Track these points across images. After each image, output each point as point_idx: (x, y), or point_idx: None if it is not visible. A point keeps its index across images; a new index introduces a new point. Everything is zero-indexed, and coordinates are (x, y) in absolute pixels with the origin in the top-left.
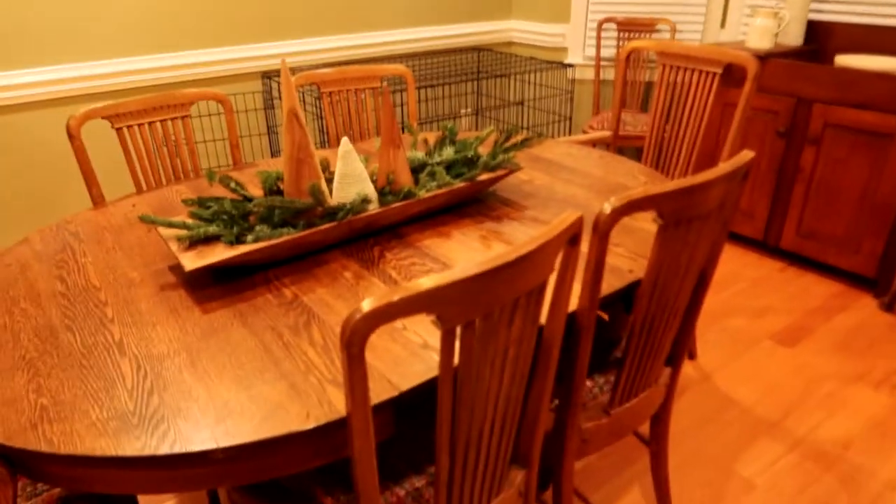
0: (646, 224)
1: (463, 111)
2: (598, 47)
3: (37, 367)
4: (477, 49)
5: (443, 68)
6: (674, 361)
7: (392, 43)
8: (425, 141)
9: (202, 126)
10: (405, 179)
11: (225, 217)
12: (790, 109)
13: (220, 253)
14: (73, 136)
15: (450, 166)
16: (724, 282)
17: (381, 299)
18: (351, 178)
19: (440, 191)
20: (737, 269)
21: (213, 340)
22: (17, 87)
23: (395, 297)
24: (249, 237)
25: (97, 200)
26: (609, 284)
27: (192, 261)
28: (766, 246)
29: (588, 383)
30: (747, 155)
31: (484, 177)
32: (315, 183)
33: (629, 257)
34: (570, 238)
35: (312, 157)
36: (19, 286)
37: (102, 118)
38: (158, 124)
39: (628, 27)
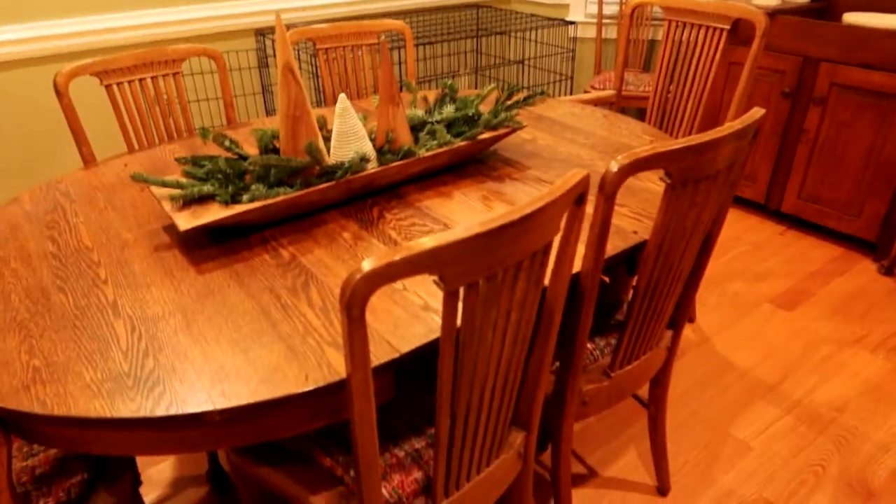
0: (651, 184)
1: (462, 70)
2: (601, 4)
3: (28, 328)
4: (476, 6)
5: (441, 25)
6: (676, 324)
7: None
8: (425, 99)
9: (195, 85)
10: (405, 138)
11: (220, 176)
12: (796, 69)
13: (214, 213)
14: (60, 93)
15: (450, 125)
16: (725, 245)
17: (381, 259)
18: (349, 136)
19: (441, 150)
20: (737, 233)
21: (209, 302)
22: (15, 43)
23: (397, 257)
24: (245, 197)
25: (88, 159)
26: (613, 246)
27: (186, 221)
28: (767, 209)
29: (589, 346)
30: (758, 112)
31: (485, 135)
32: (312, 141)
33: (634, 218)
34: (577, 198)
35: (309, 115)
36: (9, 247)
37: (91, 75)
38: (149, 81)
39: None
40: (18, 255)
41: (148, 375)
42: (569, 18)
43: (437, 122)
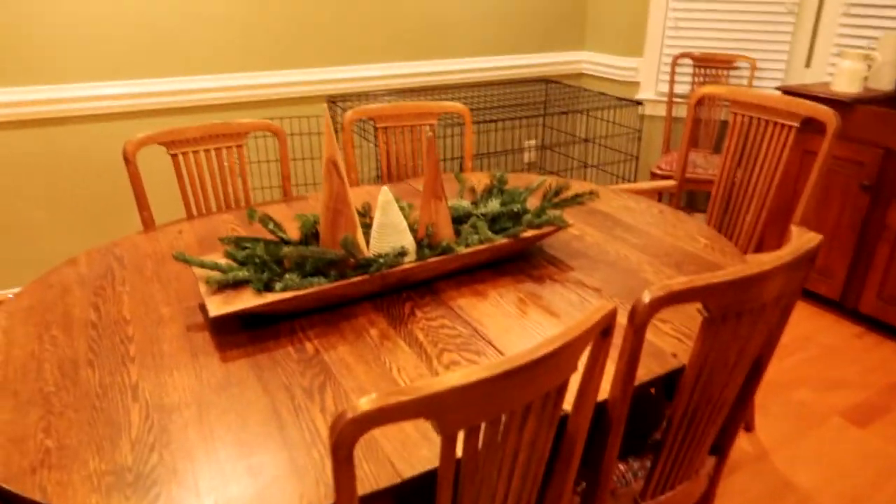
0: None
1: (527, 143)
2: (672, 83)
3: (51, 403)
4: (545, 80)
5: (509, 99)
6: (721, 450)
7: (459, 72)
8: (472, 189)
9: (257, 146)
10: (445, 232)
11: (257, 261)
12: (877, 161)
13: (246, 300)
14: (128, 160)
15: (495, 219)
16: (793, 346)
17: (372, 403)
18: (389, 228)
19: (480, 247)
20: (808, 333)
21: (225, 395)
22: (90, 99)
23: (389, 401)
24: (278, 285)
25: (147, 224)
26: (648, 369)
27: (217, 306)
28: (843, 308)
29: (621, 467)
30: (813, 239)
31: (528, 234)
32: (348, 235)
33: (675, 337)
34: (602, 331)
35: (349, 208)
36: (56, 311)
37: (159, 144)
38: (213, 152)
39: (705, 63)
40: (62, 321)
41: (149, 473)
42: (639, 96)
43: (482, 215)
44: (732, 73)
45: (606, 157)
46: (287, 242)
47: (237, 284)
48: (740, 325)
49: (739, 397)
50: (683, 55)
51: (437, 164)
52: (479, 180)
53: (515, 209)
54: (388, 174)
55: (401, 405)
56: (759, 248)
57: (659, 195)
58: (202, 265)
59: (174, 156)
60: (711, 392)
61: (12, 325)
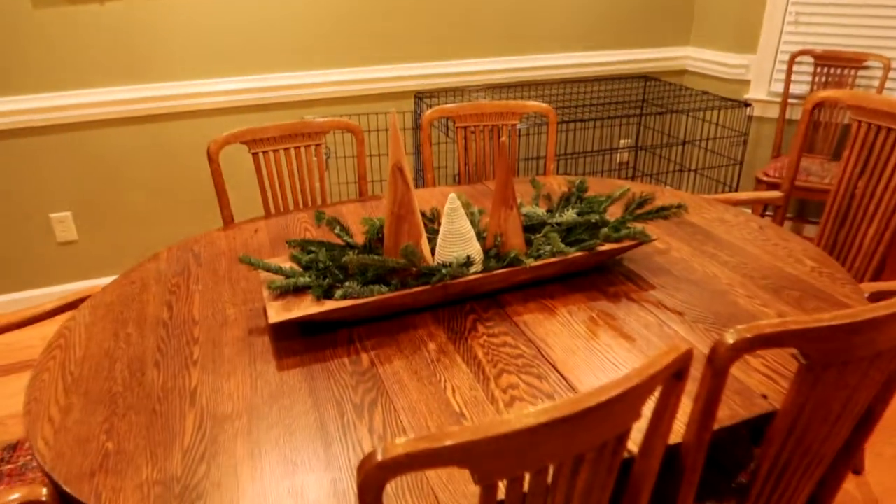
0: None
1: (622, 142)
2: (788, 83)
3: (117, 403)
4: (644, 77)
5: (605, 96)
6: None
7: (553, 67)
8: (548, 196)
9: (342, 141)
10: (515, 242)
11: (320, 266)
12: None
13: (305, 307)
14: (211, 159)
15: (570, 229)
16: None
17: (401, 447)
18: (455, 236)
19: (551, 260)
20: None
21: (277, 407)
22: (191, 97)
23: (420, 447)
24: (338, 293)
25: (227, 221)
26: (731, 411)
27: (277, 312)
28: None
29: None
30: None
31: (605, 247)
32: (410, 245)
33: (766, 375)
34: (674, 373)
35: (413, 214)
36: (133, 307)
37: (241, 143)
38: (293, 151)
39: (828, 62)
40: (137, 318)
41: (195, 486)
42: (748, 96)
43: (556, 224)
44: (861, 73)
45: (707, 162)
46: (353, 247)
47: (299, 290)
48: (846, 373)
49: (844, 449)
50: (803, 52)
51: (508, 170)
52: (559, 185)
53: (593, 220)
54: (465, 175)
55: (433, 452)
56: (879, 275)
57: (763, 207)
58: (267, 268)
59: (255, 154)
60: (808, 444)
61: (94, 320)
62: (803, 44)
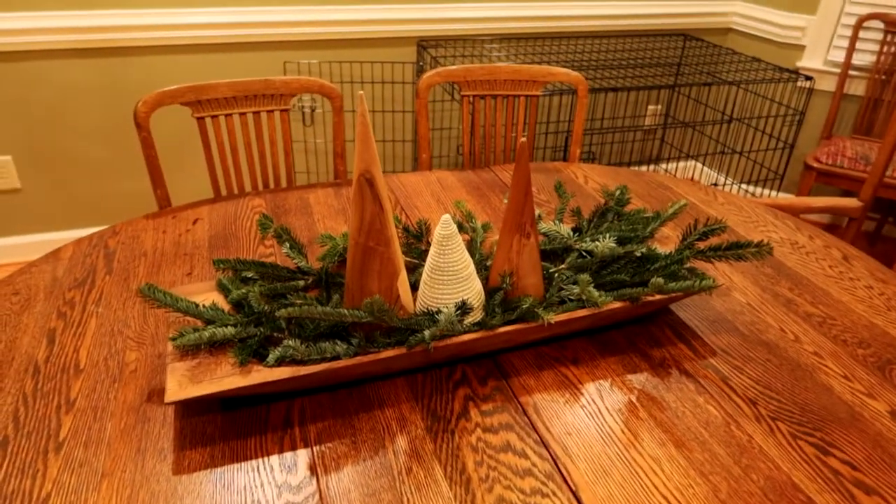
0: None
1: (650, 107)
2: (850, 51)
3: None
4: (683, 35)
5: (635, 55)
6: None
7: (578, 17)
8: (577, 211)
9: (321, 105)
10: (530, 282)
11: (254, 307)
12: None
13: (221, 376)
14: (140, 125)
15: (606, 261)
16: None
17: None
18: (447, 274)
19: (579, 313)
20: None
21: None
22: (153, 28)
23: None
24: (273, 354)
25: (162, 204)
26: None
27: (179, 384)
28: None
29: None
30: None
31: (654, 297)
32: (377, 299)
33: None
34: None
35: (388, 246)
36: (3, 339)
37: (181, 104)
38: (250, 116)
39: None
40: (3, 355)
41: None
42: (801, 63)
43: (586, 253)
44: None
45: (749, 142)
46: (304, 274)
47: (219, 343)
48: None
49: None
50: (873, 16)
51: (529, 182)
52: (584, 177)
53: (638, 254)
54: (470, 156)
55: None
56: None
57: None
58: (176, 308)
59: (200, 119)
60: None
61: None
62: (874, 5)
